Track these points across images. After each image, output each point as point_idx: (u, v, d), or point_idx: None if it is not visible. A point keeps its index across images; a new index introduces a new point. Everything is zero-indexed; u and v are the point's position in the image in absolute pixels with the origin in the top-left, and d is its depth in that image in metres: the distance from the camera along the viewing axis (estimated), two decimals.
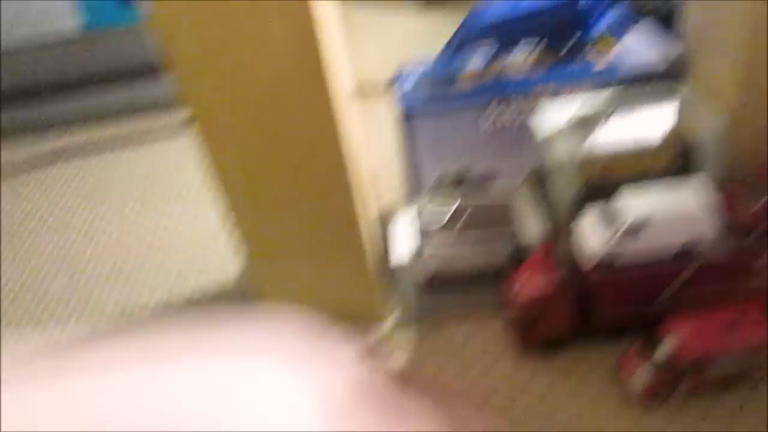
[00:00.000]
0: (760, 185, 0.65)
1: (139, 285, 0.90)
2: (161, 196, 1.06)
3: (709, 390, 0.63)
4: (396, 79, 0.84)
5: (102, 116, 1.26)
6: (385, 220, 0.82)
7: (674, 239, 0.64)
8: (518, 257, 0.73)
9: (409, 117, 0.80)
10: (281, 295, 0.73)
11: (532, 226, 0.74)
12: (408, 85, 0.82)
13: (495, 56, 0.80)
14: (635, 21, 0.83)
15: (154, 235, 0.98)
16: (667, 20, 0.84)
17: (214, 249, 0.91)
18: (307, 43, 0.56)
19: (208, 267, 0.90)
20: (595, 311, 0.67)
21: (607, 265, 0.65)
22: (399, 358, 0.73)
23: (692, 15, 0.75)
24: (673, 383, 0.63)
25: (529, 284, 0.68)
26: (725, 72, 0.68)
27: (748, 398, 0.63)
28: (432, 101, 0.80)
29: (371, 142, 0.77)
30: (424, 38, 1.33)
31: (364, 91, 0.93)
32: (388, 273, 0.76)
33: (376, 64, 0.97)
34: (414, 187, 0.84)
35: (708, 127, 0.66)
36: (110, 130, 1.24)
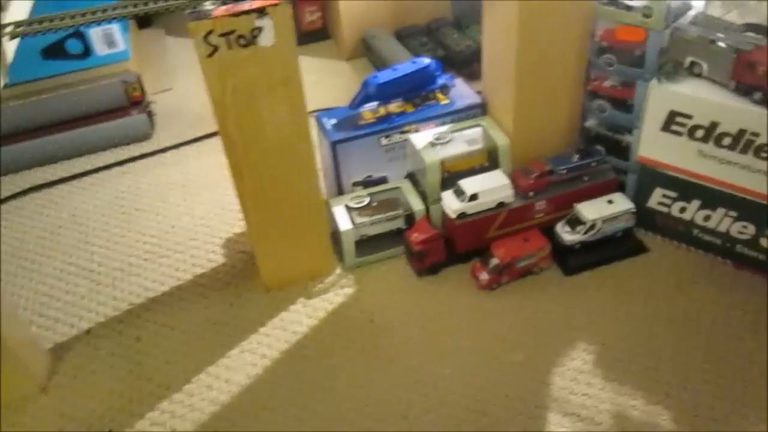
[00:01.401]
0: (531, 170, 1.24)
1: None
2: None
3: (517, 277, 1.20)
4: (318, 120, 1.34)
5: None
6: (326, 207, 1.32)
7: (493, 200, 1.21)
8: (409, 222, 1.27)
9: (333, 144, 1.30)
10: (273, 259, 1.21)
11: (414, 204, 1.28)
12: (329, 124, 1.33)
13: (382, 104, 1.33)
14: (453, 79, 1.40)
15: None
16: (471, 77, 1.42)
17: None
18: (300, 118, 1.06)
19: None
20: (456, 246, 1.23)
21: (460, 218, 1.20)
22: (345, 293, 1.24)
23: (485, 81, 1.33)
24: (499, 277, 1.19)
25: (419, 234, 1.22)
26: (505, 115, 1.27)
27: (537, 280, 1.21)
28: (346, 133, 1.30)
29: None
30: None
31: None
32: (333, 238, 1.26)
33: None
34: (339, 187, 1.34)
35: (502, 142, 1.25)
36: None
